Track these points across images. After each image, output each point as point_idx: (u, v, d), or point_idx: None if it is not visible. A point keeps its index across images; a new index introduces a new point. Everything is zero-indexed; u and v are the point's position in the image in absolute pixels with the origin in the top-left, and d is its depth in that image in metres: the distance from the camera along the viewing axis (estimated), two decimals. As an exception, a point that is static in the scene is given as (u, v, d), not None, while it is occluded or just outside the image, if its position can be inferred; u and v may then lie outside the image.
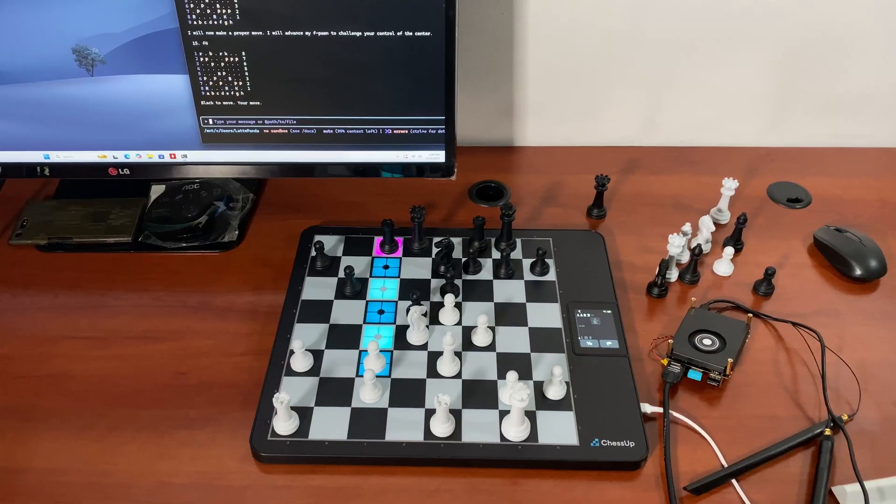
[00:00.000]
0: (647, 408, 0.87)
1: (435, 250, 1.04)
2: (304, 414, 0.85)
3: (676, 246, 1.00)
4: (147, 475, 0.81)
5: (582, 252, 1.05)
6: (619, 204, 1.16)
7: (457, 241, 1.06)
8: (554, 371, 0.85)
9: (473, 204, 1.15)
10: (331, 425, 0.84)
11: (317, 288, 0.99)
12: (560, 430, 0.83)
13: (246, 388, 0.89)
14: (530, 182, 1.19)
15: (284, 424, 0.83)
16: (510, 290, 0.99)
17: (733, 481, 0.81)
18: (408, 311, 0.93)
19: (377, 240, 1.06)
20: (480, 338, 0.92)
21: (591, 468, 0.81)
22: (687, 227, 1.04)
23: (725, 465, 0.82)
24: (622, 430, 0.83)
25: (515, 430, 0.82)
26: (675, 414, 0.87)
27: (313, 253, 1.03)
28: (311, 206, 1.14)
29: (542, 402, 0.86)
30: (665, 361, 0.91)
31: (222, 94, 0.96)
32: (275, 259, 1.06)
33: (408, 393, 0.87)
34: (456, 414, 0.84)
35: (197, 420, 0.86)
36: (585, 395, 0.87)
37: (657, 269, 1.01)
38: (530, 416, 0.84)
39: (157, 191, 1.13)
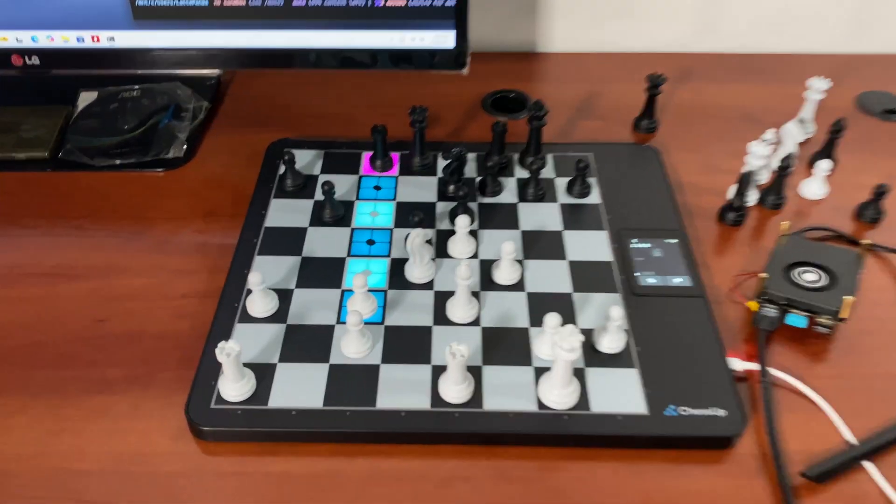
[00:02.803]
0: (736, 363, 0.63)
1: (442, 164, 0.80)
2: (262, 373, 0.61)
3: (760, 156, 0.77)
4: (38, 457, 0.57)
5: (632, 170, 0.81)
6: (673, 116, 0.91)
7: (472, 156, 0.82)
8: (611, 314, 0.61)
9: (488, 117, 0.91)
10: (300, 388, 0.60)
11: (286, 212, 0.75)
12: (621, 393, 0.60)
13: (187, 339, 0.66)
14: (560, 92, 0.95)
15: (234, 387, 0.59)
16: (541, 216, 0.75)
17: (866, 463, 0.57)
18: (406, 238, 0.69)
19: (366, 155, 0.82)
20: (505, 273, 0.68)
21: (665, 446, 0.58)
22: (770, 134, 0.80)
23: (853, 442, 0.58)
24: (706, 394, 0.60)
25: (560, 394, 0.59)
26: (776, 372, 0.63)
27: (282, 169, 0.78)
28: (281, 119, 0.90)
29: (594, 356, 0.63)
30: (754, 305, 0.67)
31: (157, -52, 0.72)
32: (232, 180, 0.82)
33: (407, 345, 0.63)
34: (474, 373, 0.61)
35: (117, 382, 0.63)
36: (652, 347, 0.63)
37: (732, 187, 0.78)
38: (578, 375, 0.61)
39: (87, 99, 0.89)
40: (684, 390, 0.60)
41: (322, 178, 0.79)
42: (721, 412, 0.59)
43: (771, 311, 0.66)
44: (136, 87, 0.89)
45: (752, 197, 0.79)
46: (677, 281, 0.69)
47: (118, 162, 0.82)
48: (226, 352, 0.57)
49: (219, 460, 0.58)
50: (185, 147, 0.84)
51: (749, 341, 0.66)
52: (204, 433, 0.58)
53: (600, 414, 0.59)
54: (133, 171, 0.83)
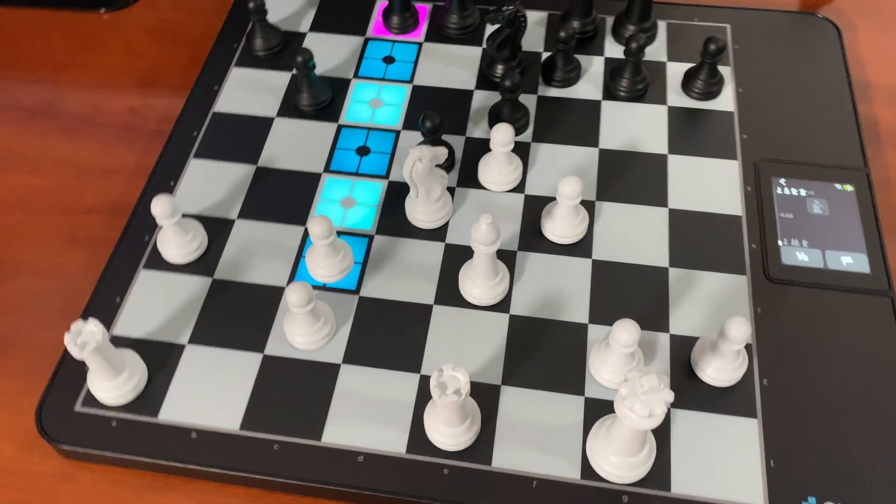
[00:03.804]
0: (934, 425, 0.37)
1: (489, 30, 0.52)
2: (161, 360, 0.39)
3: None
4: None
5: (792, 57, 0.51)
6: (867, -31, 0.59)
7: (537, 17, 0.54)
8: (727, 332, 0.36)
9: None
10: (212, 394, 0.38)
11: (247, 91, 0.51)
12: (726, 463, 0.36)
13: (76, 281, 0.44)
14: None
15: (106, 386, 0.38)
16: (636, 126, 0.48)
17: None
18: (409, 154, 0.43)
19: (380, 6, 0.55)
20: (561, 226, 0.42)
21: (793, 572, 0.34)
22: None
23: None
24: (879, 485, 0.35)
25: (621, 464, 0.35)
26: None
27: (251, 24, 0.53)
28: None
29: (690, 387, 0.38)
30: (974, 314, 0.40)
31: None
32: (194, 31, 0.57)
33: (390, 334, 0.40)
34: (488, 397, 0.37)
35: (-34, 342, 0.43)
36: (790, 383, 0.38)
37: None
38: (660, 428, 0.36)
39: None
40: (836, 469, 0.35)
41: (310, 40, 0.53)
42: (900, 522, 0.34)
43: None
44: None
45: None
46: (846, 261, 0.42)
47: (38, -4, 0.58)
48: (80, 341, 0.35)
49: (80, 492, 0.38)
50: (131, -23, 0.59)
51: (958, 381, 0.40)
52: (65, 452, 0.38)
53: (684, 500, 0.35)
54: (54, 10, 0.59)
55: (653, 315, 0.40)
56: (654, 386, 0.30)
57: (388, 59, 0.52)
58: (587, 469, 0.36)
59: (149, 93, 0.54)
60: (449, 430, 0.36)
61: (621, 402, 0.31)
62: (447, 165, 0.46)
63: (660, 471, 0.36)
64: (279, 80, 0.51)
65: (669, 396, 0.31)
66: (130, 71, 0.55)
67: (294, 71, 0.51)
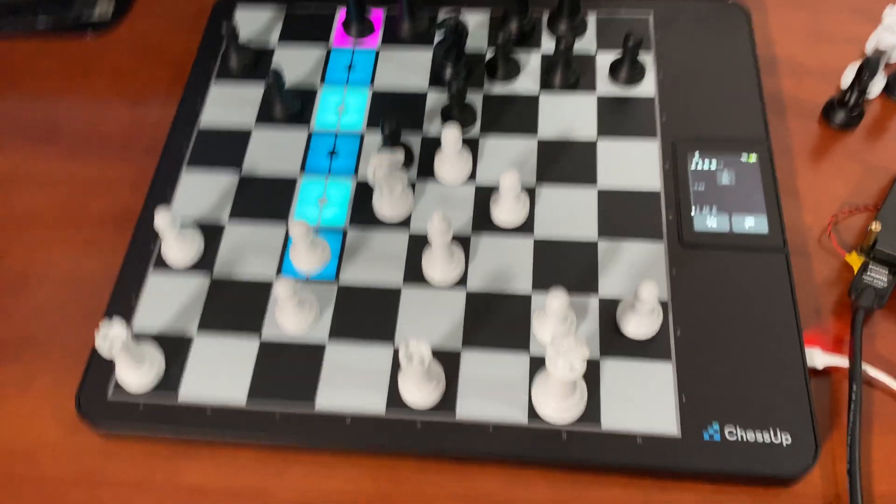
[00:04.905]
0: (817, 356, 0.45)
1: (437, 39, 0.58)
2: (176, 349, 0.47)
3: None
4: None
5: (706, 42, 0.58)
6: (779, -51, 0.65)
7: (479, 19, 0.60)
8: (640, 293, 0.43)
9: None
10: (221, 375, 0.46)
11: (227, 105, 0.57)
12: (645, 401, 0.44)
13: (94, 286, 0.51)
14: None
15: (133, 375, 0.45)
16: (570, 115, 0.55)
17: None
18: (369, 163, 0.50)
19: (339, 16, 0.61)
20: (505, 213, 0.50)
21: (702, 480, 0.43)
22: (920, -6, 0.54)
23: (972, 489, 0.42)
24: (766, 407, 0.43)
25: (557, 407, 0.43)
26: (874, 372, 0.45)
27: (225, 45, 0.59)
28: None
29: (615, 340, 0.46)
30: (855, 260, 0.48)
31: None
32: (174, 49, 0.63)
33: (367, 314, 0.47)
34: (451, 361, 0.45)
35: (7, 345, 0.50)
36: (699, 331, 0.46)
37: (850, 70, 0.54)
38: (591, 368, 0.44)
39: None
40: (735, 400, 0.43)
41: (278, 54, 0.59)
42: (785, 438, 0.42)
43: (878, 278, 0.47)
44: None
45: (877, 86, 0.56)
46: (748, 224, 0.49)
47: (22, 28, 0.64)
48: (109, 340, 0.43)
49: (119, 464, 0.45)
50: (112, 5, 0.65)
51: (840, 319, 0.48)
52: (100, 432, 0.46)
53: (612, 433, 0.43)
54: (42, 40, 0.64)
55: (584, 282, 0.48)
56: (572, 346, 0.38)
57: (350, 67, 0.58)
58: (533, 413, 0.44)
59: (139, 111, 0.60)
60: (419, 392, 0.43)
61: (548, 359, 0.39)
62: (407, 164, 0.52)
63: (592, 410, 0.43)
64: (254, 93, 0.57)
65: (586, 353, 0.38)
66: (121, 91, 0.61)
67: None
